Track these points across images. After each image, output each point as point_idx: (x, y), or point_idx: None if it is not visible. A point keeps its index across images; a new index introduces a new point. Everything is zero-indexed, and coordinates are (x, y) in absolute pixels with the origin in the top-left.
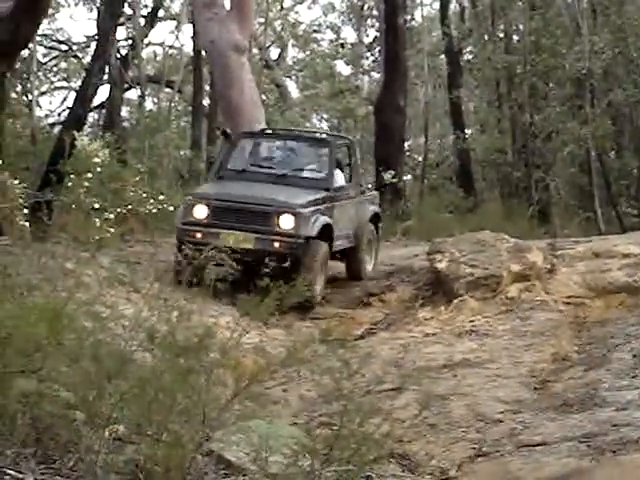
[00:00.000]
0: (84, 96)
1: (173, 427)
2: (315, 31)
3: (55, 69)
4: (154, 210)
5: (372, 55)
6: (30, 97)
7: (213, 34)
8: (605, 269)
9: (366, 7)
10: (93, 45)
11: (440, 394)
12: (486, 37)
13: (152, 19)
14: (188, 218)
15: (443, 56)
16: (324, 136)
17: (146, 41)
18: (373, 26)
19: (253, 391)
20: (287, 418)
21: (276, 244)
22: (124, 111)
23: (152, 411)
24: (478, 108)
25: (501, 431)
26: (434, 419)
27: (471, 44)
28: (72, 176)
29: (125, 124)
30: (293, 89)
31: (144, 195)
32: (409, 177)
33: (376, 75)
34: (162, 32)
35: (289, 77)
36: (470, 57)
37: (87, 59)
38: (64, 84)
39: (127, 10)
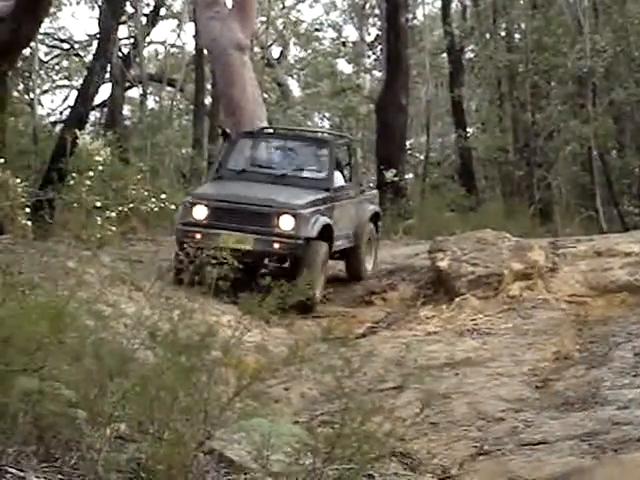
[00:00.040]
0: (86, 95)
1: (175, 425)
2: (317, 30)
3: (57, 68)
4: (156, 209)
5: (374, 54)
6: (32, 96)
7: (215, 33)
8: (607, 268)
9: (368, 6)
10: (95, 44)
11: (442, 393)
12: (488, 36)
13: (154, 18)
14: (187, 219)
15: (445, 55)
16: (324, 136)
17: (148, 40)
18: (375, 25)
19: (255, 389)
20: (289, 416)
21: (276, 245)
22: (126, 110)
23: (154, 409)
24: (480, 107)
25: (502, 429)
26: (436, 418)
27: (473, 43)
28: (74, 175)
29: (127, 123)
30: (295, 88)
31: (146, 194)
32: (411, 176)
33: (378, 74)
34: (164, 31)
35: (291, 76)
36: (472, 56)
37: (89, 58)
38: (66, 83)
39: (129, 9)
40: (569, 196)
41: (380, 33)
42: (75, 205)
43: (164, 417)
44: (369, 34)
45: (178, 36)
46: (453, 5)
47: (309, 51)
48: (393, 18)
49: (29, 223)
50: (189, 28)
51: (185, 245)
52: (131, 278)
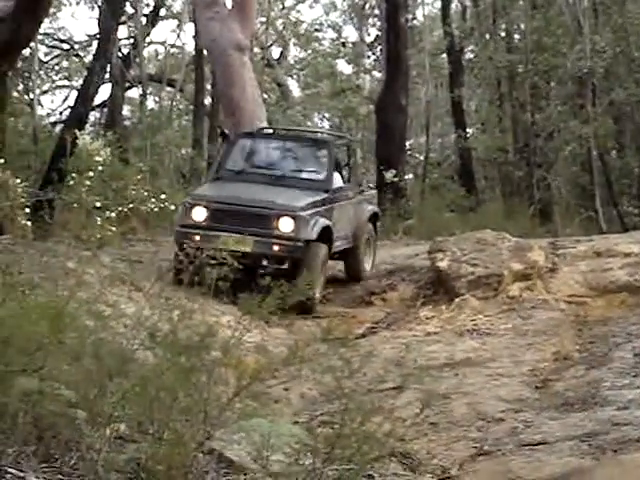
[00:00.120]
0: (86, 95)
1: (174, 426)
2: (316, 30)
3: (57, 68)
4: (155, 209)
5: (373, 54)
6: (32, 96)
7: (214, 33)
8: (606, 268)
9: (367, 6)
10: (95, 44)
11: (441, 393)
12: (487, 36)
13: (154, 18)
14: (187, 220)
15: (444, 55)
16: (323, 136)
17: (148, 40)
18: (374, 25)
19: (254, 390)
20: (288, 417)
21: (275, 247)
22: (125, 110)
23: (153, 410)
24: (479, 107)
25: (502, 430)
26: (435, 418)
27: (472, 43)
28: (73, 175)
29: (126, 123)
30: (294, 88)
31: (146, 194)
32: (410, 176)
33: (377, 74)
34: (164, 31)
35: (290, 76)
36: (471, 56)
37: (89, 58)
38: (66, 83)
39: (129, 9)
40: (569, 196)
41: (380, 34)
42: (75, 205)
43: (164, 417)
44: (369, 34)
45: (178, 36)
46: (453, 6)
47: (309, 51)
48: (393, 18)
49: (29, 223)
50: (189, 28)
51: (184, 246)
52: (131, 278)
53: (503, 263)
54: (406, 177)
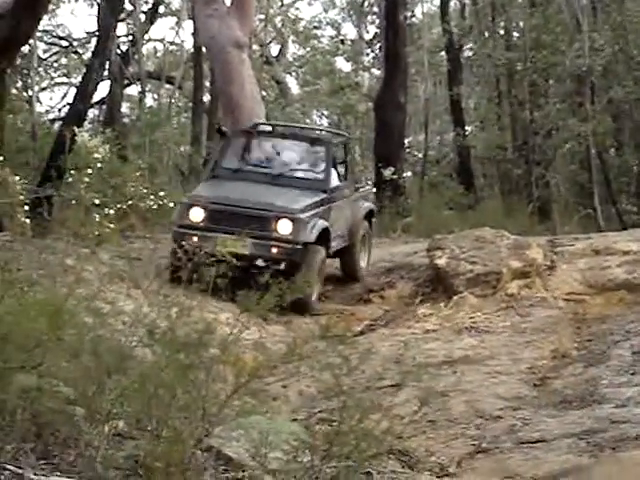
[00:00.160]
0: (84, 92)
1: (173, 423)
2: (315, 27)
3: (55, 65)
4: (154, 206)
5: (372, 52)
6: (30, 93)
7: (213, 30)
8: (605, 266)
9: (366, 4)
10: (93, 41)
11: (440, 391)
12: (486, 34)
13: (152, 15)
14: (184, 221)
15: (443, 53)
16: (321, 135)
17: (146, 37)
18: (373, 23)
19: (253, 387)
20: (287, 414)
21: (274, 250)
22: (124, 107)
23: (152, 407)
24: (478, 105)
25: (500, 427)
26: (434, 415)
27: (471, 41)
28: (72, 172)
29: (125, 120)
30: (293, 85)
31: (144, 191)
32: (409, 174)
33: (376, 72)
34: (162, 28)
35: (289, 73)
36: (470, 54)
37: (87, 55)
38: (64, 80)
39: (127, 6)
40: (567, 194)
41: (379, 31)
42: (74, 202)
43: (162, 414)
44: (368, 32)
45: (177, 34)
46: (452, 3)
47: (308, 49)
48: (392, 16)
49: (28, 220)
50: (188, 26)
51: (182, 246)
52: (129, 275)
53: (502, 261)
54: (405, 175)
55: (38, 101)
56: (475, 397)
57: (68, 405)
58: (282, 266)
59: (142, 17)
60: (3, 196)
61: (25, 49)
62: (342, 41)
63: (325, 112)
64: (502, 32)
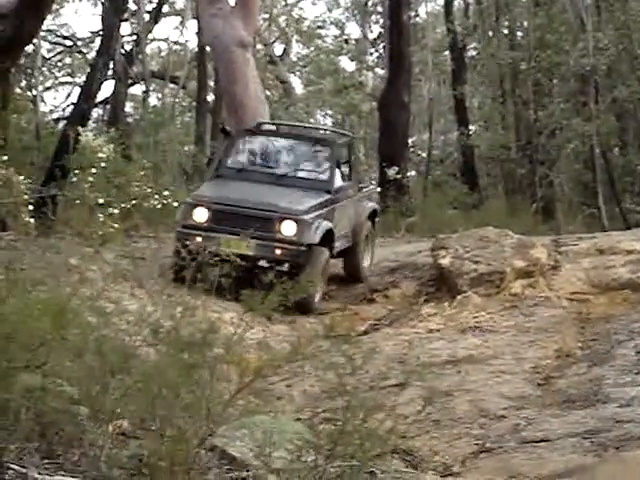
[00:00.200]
0: (88, 91)
1: (177, 422)
2: (319, 27)
3: (59, 64)
4: (158, 205)
5: (376, 51)
6: (34, 92)
7: (217, 30)
8: (609, 265)
9: (370, 3)
10: (97, 41)
11: (444, 390)
12: (490, 33)
13: (156, 15)
14: (188, 221)
15: (447, 52)
16: (326, 135)
17: (150, 37)
18: (377, 22)
19: (257, 386)
20: (291, 413)
21: (278, 251)
22: (128, 107)
23: (156, 406)
24: (482, 104)
25: (504, 427)
26: (438, 415)
27: (475, 40)
28: (76, 171)
29: (129, 120)
30: (297, 85)
31: (148, 190)
32: (413, 173)
33: (380, 71)
34: (166, 28)
35: (293, 73)
36: (474, 53)
37: (91, 55)
38: (68, 79)
39: (131, 5)
40: (571, 194)
41: (383, 31)
42: (78, 202)
43: (166, 414)
44: (372, 31)
45: (181, 33)
46: (456, 3)
47: (312, 48)
48: (396, 15)
49: (32, 220)
50: (192, 25)
51: (184, 247)
52: (133, 275)
53: (505, 260)
54: (409, 174)
55: (42, 101)
56: (479, 396)
57: (72, 404)
58: (285, 267)
59: (146, 16)
60: (7, 196)
61: (29, 48)
62: (346, 41)
63: (329, 111)
64: (506, 31)
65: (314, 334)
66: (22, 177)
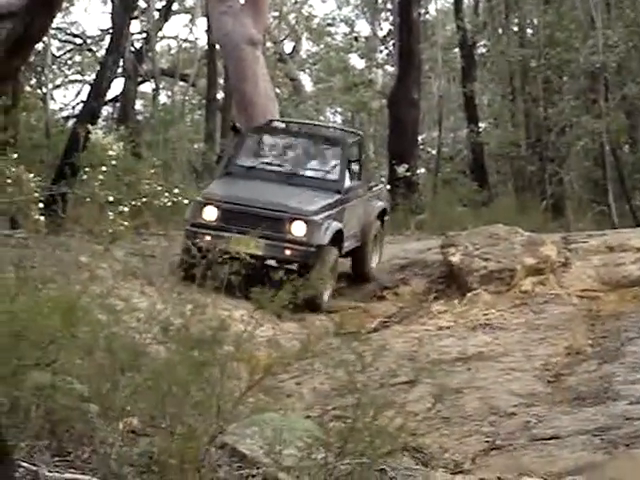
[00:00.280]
0: (98, 89)
1: (187, 420)
2: (329, 24)
3: (69, 62)
4: (168, 203)
5: (386, 48)
6: (44, 90)
7: (227, 27)
8: (619, 263)
9: (380, 0)
10: (107, 38)
11: (454, 387)
12: (500, 31)
13: (166, 12)
14: (197, 219)
15: (457, 50)
16: (336, 134)
17: (160, 34)
18: (387, 19)
19: (267, 384)
20: (301, 411)
21: (287, 251)
22: (138, 104)
23: (166, 404)
24: (492, 102)
25: (515, 424)
26: (448, 412)
27: (485, 38)
28: (86, 169)
29: (139, 117)
30: (307, 82)
31: (158, 188)
32: (423, 171)
33: (390, 68)
34: (176, 25)
35: (303, 71)
36: (484, 51)
37: (101, 52)
38: (78, 77)
39: (141, 3)
40: (581, 191)
41: (392, 28)
42: (88, 200)
43: (176, 411)
44: (381, 29)
45: (190, 31)
46: (465, 0)
47: (321, 46)
48: (405, 13)
49: (42, 218)
50: (202, 23)
51: (194, 246)
52: (143, 273)
53: (515, 258)
54: (418, 172)
55: (52, 98)
56: (489, 394)
57: (82, 402)
58: (294, 266)
59: (156, 14)
60: (17, 194)
61: (39, 46)
62: (356, 38)
63: (339, 109)
64: (516, 29)
65: (324, 331)
66: (32, 175)
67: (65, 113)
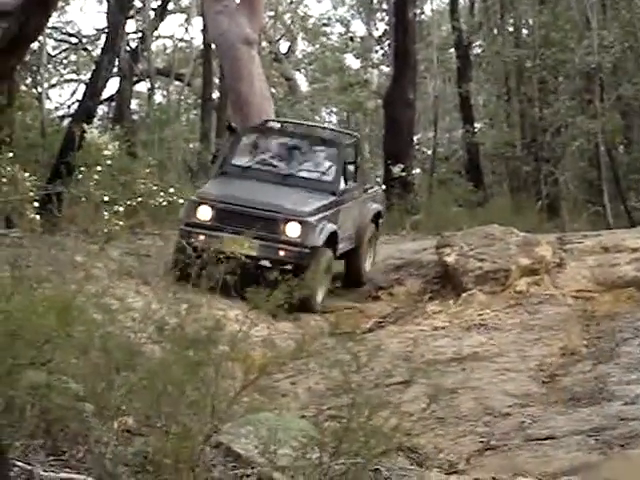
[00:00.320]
0: (94, 89)
1: (182, 419)
2: (324, 24)
3: (65, 62)
4: (164, 203)
5: (382, 49)
6: (40, 89)
7: (223, 27)
8: (614, 263)
9: (376, 1)
10: (103, 38)
11: (449, 388)
12: (495, 31)
13: (162, 12)
14: (192, 219)
15: (452, 50)
16: (333, 136)
17: (156, 34)
18: (383, 20)
19: (262, 384)
20: (296, 411)
21: (281, 252)
22: (134, 104)
23: (161, 403)
24: (487, 102)
25: (509, 425)
26: (442, 412)
27: (480, 38)
28: (82, 169)
29: (135, 117)
30: (302, 82)
31: (154, 188)
32: (418, 171)
33: (385, 69)
34: (172, 25)
35: (298, 70)
36: (479, 51)
37: (97, 52)
38: (74, 77)
39: (137, 3)
40: (576, 192)
41: (388, 28)
42: (83, 199)
43: (171, 411)
44: (377, 29)
45: (186, 30)
46: (461, 0)
47: (317, 46)
48: (401, 13)
49: (37, 217)
50: (197, 22)
51: (188, 245)
52: (139, 272)
53: (510, 258)
54: (414, 172)
55: (47, 98)
56: (484, 394)
57: (77, 401)
58: (288, 267)
59: (151, 14)
60: (13, 193)
61: (34, 46)
62: (351, 38)
63: (334, 109)
64: (511, 29)
65: (319, 331)
66: (27, 174)
67: (61, 112)
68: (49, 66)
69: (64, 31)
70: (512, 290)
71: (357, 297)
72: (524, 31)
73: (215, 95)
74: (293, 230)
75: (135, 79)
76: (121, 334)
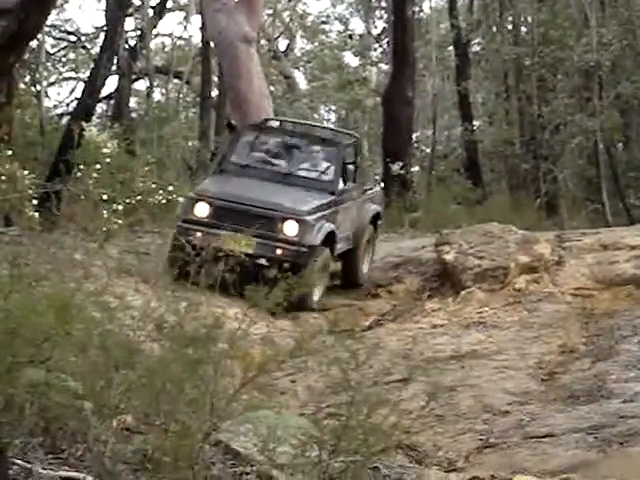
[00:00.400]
0: (92, 87)
1: (181, 417)
2: (323, 22)
3: (64, 60)
4: (163, 201)
5: (380, 46)
6: (39, 87)
7: (221, 25)
8: (613, 261)
9: None
10: (102, 36)
11: (448, 385)
12: (494, 29)
13: (161, 10)
14: (189, 216)
15: (451, 48)
16: (332, 135)
17: (155, 32)
18: (381, 17)
19: (261, 382)
20: (295, 409)
21: (279, 251)
22: (132, 102)
23: (160, 401)
24: (486, 100)
25: (508, 422)
26: (441, 410)
27: (479, 36)
28: (81, 167)
29: (133, 115)
30: (301, 80)
31: (153, 186)
32: (417, 169)
33: (384, 66)
34: (170, 23)
35: (297, 68)
36: (478, 49)
37: (96, 50)
38: (73, 75)
39: (136, 1)
40: (575, 189)
41: (387, 26)
42: (82, 197)
43: (170, 409)
44: (376, 27)
45: (185, 28)
46: None
47: (316, 44)
48: (400, 11)
49: (36, 215)
50: (196, 20)
51: (185, 240)
52: (138, 270)
53: (509, 256)
54: (412, 169)
55: (46, 96)
56: (483, 392)
57: (76, 399)
58: (286, 265)
59: (150, 12)
60: (12, 191)
61: (33, 44)
62: (350, 36)
63: (333, 107)
64: (510, 27)
65: (318, 329)
66: (26, 172)
67: (59, 110)
68: (48, 64)
69: (63, 29)
70: (511, 288)
71: (356, 295)
72: (523, 29)
73: (214, 93)
74: (291, 229)
75: (134, 77)
76: (120, 332)
